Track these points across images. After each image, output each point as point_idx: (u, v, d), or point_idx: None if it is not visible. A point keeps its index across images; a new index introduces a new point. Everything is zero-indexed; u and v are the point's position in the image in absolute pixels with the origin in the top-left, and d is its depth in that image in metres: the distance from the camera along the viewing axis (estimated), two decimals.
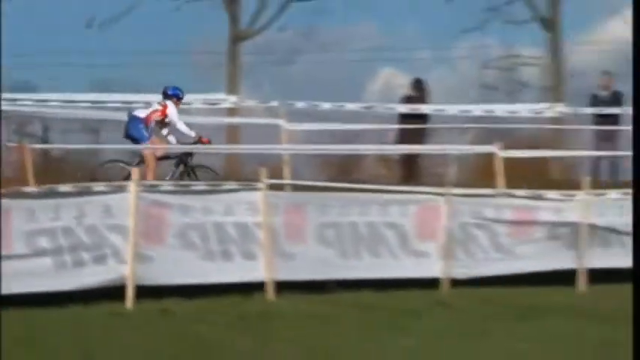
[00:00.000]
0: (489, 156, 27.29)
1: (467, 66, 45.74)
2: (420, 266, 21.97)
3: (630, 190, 23.60)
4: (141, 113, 26.53)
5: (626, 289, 21.47)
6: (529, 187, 24.23)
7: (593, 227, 22.93)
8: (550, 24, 41.22)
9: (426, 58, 47.64)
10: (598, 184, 25.21)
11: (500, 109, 32.17)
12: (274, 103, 27.23)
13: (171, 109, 26.59)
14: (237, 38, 38.97)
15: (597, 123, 31.48)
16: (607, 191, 24.28)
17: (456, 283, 22.01)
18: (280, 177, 24.86)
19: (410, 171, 28.51)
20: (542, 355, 18.44)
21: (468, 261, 22.32)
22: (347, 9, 42.23)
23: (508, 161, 26.79)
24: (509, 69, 42.96)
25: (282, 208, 21.29)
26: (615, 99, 31.95)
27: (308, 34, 41.29)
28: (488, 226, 22.51)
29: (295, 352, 17.58)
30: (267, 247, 20.83)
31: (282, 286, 20.75)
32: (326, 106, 29.21)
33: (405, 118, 30.50)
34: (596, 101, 31.87)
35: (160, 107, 26.53)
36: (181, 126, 26.73)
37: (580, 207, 22.90)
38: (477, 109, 31.25)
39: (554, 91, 38.58)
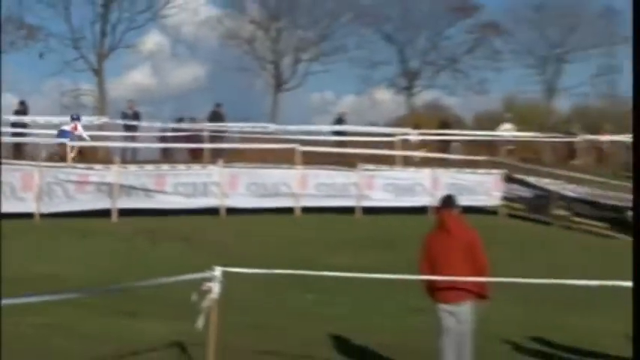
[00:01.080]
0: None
1: (52, 94, 44.96)
2: (22, 206, 21.70)
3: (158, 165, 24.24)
4: (67, 128, 27.77)
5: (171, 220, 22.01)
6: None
7: (122, 185, 22.96)
8: (98, 72, 41.12)
9: (27, 89, 47.40)
10: (125, 162, 25.36)
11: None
12: None
13: (79, 126, 28.06)
14: None
15: (125, 129, 31.62)
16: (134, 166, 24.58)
17: (43, 215, 21.84)
18: None
19: (20, 154, 27.94)
20: (86, 256, 18.75)
21: (50, 203, 22.15)
22: None
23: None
24: (76, 97, 42.41)
25: None
26: (135, 115, 32.19)
27: None
28: (62, 184, 22.40)
29: None
30: None
31: None
32: None
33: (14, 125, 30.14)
34: (125, 116, 31.98)
35: (73, 124, 27.88)
36: (84, 135, 28.13)
37: (114, 174, 23.04)
38: (57, 120, 30.94)
39: (100, 110, 38.36)
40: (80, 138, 27.77)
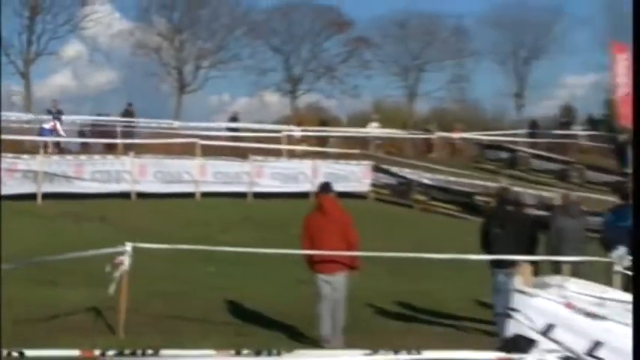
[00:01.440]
0: None
1: None
2: None
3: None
4: (47, 126, 27.48)
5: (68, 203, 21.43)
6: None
7: (46, 173, 22.41)
8: (25, 76, 40.33)
9: None
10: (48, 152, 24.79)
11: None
12: None
13: (58, 124, 27.62)
14: None
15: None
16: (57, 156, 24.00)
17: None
18: None
19: None
20: (14, 234, 18.12)
21: None
22: None
23: None
24: (7, 97, 41.24)
25: None
26: (59, 112, 31.28)
27: None
28: None
29: None
30: None
31: None
32: None
33: None
34: (49, 113, 30.87)
35: (53, 123, 27.39)
36: (62, 132, 27.70)
37: (39, 163, 22.40)
38: None
39: (28, 108, 37.36)
40: (58, 135, 27.36)
